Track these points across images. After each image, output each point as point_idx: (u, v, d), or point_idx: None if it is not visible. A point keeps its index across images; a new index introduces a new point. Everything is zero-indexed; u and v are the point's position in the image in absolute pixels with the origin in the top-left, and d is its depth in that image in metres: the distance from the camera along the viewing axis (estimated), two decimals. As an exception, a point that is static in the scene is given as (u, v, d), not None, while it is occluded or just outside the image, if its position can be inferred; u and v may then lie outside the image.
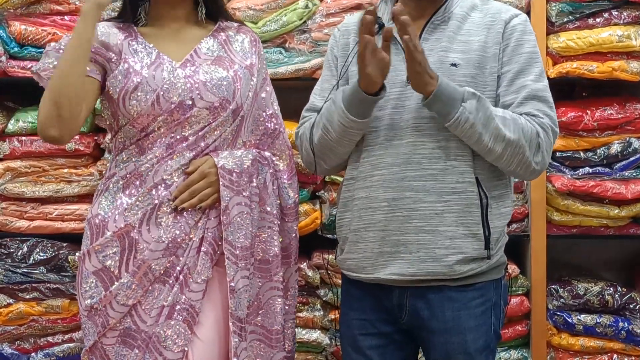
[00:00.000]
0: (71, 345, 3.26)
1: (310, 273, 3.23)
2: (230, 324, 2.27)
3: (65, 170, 3.25)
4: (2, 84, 3.32)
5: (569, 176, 3.28)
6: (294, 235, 2.49)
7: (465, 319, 2.27)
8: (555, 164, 3.28)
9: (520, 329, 3.29)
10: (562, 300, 3.30)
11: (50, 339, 3.29)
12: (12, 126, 3.24)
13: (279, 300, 2.39)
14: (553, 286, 3.31)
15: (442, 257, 2.24)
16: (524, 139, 2.20)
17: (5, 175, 3.23)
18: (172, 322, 2.24)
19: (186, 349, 2.24)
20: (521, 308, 3.27)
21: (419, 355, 2.43)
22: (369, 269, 2.30)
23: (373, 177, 2.28)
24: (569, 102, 3.32)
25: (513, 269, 3.24)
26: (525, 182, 3.28)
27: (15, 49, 3.23)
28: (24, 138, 3.23)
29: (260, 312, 2.36)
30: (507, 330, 3.26)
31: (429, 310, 2.27)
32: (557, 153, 3.26)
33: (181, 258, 2.28)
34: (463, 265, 2.24)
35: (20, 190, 3.23)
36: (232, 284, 2.28)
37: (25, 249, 3.23)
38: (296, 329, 3.18)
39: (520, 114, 2.24)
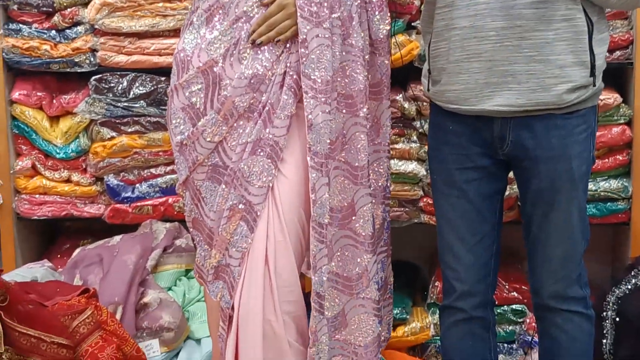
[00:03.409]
0: (173, 176, 3.35)
1: (406, 105, 3.20)
2: (309, 158, 2.25)
3: (160, 5, 3.25)
4: None
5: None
6: (385, 70, 2.42)
7: (571, 146, 2.26)
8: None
9: (621, 158, 3.23)
10: (666, 127, 3.22)
11: (153, 170, 3.38)
12: (105, -39, 3.23)
13: (363, 136, 2.35)
14: (657, 114, 3.23)
15: (551, 87, 2.21)
16: None
17: (102, 10, 3.24)
18: (256, 158, 2.25)
19: (271, 184, 2.26)
20: (622, 137, 3.20)
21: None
22: (472, 100, 2.27)
23: (478, 5, 2.21)
24: None
25: (615, 97, 3.15)
26: (630, 8, 3.15)
27: None
28: (118, -27, 3.23)
29: (344, 147, 2.34)
30: (607, 160, 3.22)
31: (534, 139, 2.26)
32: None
33: (264, 94, 2.26)
34: (571, 94, 2.22)
35: (117, 25, 3.25)
36: (311, 118, 2.24)
37: (125, 83, 3.28)
38: (393, 161, 3.21)
39: None
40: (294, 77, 2.27)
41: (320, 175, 2.26)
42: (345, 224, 2.37)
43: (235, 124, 2.28)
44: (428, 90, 2.42)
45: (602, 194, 3.24)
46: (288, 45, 2.27)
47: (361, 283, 2.40)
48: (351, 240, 2.38)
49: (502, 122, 2.27)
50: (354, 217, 2.38)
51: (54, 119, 3.38)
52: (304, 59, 2.24)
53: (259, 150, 2.26)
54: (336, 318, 2.38)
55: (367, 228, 2.39)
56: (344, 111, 2.32)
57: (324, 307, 2.31)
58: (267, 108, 2.26)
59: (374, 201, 2.43)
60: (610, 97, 3.13)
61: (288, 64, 2.27)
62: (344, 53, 2.30)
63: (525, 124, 2.26)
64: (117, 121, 3.32)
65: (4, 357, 2.43)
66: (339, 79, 2.31)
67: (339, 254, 2.36)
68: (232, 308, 2.28)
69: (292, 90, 2.27)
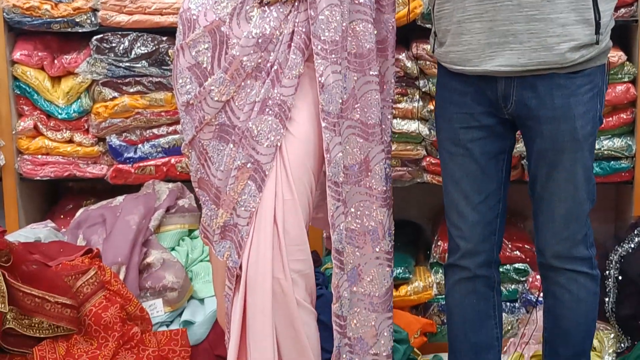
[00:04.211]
0: (175, 137, 3.34)
1: (408, 64, 3.19)
2: (321, 119, 2.25)
3: (161, -37, 3.24)
4: None
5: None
6: (391, 27, 2.42)
7: (574, 106, 2.25)
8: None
9: (625, 117, 3.22)
10: (671, 85, 3.21)
11: (155, 131, 3.37)
12: None
13: (375, 94, 2.35)
14: (661, 72, 3.22)
15: (553, 46, 2.19)
16: None
17: (102, -31, 3.23)
18: (264, 117, 2.25)
19: (278, 143, 2.26)
20: (627, 96, 3.19)
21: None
22: (475, 61, 2.26)
23: None
24: None
25: (619, 55, 3.14)
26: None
27: None
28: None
29: (356, 106, 2.33)
30: (611, 119, 3.21)
31: (537, 99, 2.25)
32: None
33: (272, 53, 2.26)
34: (574, 53, 2.20)
35: (118, -16, 3.24)
36: (322, 79, 2.24)
37: (127, 43, 3.27)
38: (395, 120, 3.20)
39: None
40: (303, 37, 2.26)
41: (333, 135, 2.27)
42: (360, 181, 2.38)
43: (243, 84, 2.27)
44: (433, 52, 2.41)
45: (605, 152, 3.24)
46: (296, 4, 2.26)
47: (376, 237, 2.41)
48: (366, 196, 2.38)
49: (506, 82, 2.26)
50: (369, 174, 2.38)
51: (56, 80, 3.37)
52: (313, 20, 2.23)
53: (267, 109, 2.25)
54: (353, 271, 2.39)
55: (381, 183, 2.40)
56: (355, 70, 2.32)
57: (344, 264, 2.33)
58: (275, 67, 2.25)
59: (388, 157, 2.45)
60: (614, 55, 3.11)
61: (296, 24, 2.26)
62: (352, 12, 2.29)
63: (528, 83, 2.25)
64: (118, 81, 3.31)
65: (8, 317, 2.44)
66: (349, 39, 2.29)
67: (352, 210, 2.37)
68: (240, 267, 2.29)
69: (300, 49, 2.26)
